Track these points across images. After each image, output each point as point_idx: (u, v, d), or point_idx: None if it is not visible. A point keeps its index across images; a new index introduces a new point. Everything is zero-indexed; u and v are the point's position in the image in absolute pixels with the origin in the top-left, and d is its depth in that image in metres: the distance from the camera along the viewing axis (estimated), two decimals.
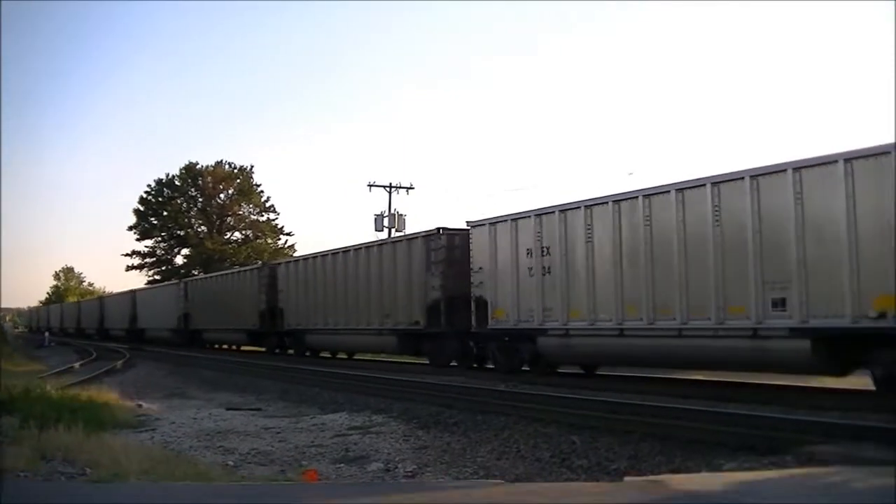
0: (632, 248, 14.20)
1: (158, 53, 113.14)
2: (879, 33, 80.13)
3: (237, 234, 64.95)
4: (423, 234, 20.28)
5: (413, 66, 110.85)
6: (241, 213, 64.34)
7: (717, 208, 12.83)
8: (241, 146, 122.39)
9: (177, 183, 64.10)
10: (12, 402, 11.12)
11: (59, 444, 8.30)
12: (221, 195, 64.05)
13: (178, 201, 64.09)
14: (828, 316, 11.30)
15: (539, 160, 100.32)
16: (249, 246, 62.57)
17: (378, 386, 15.78)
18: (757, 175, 12.25)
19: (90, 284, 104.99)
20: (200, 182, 63.49)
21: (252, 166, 64.41)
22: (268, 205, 63.98)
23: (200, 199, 64.12)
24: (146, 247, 64.99)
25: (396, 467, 8.63)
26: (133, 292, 49.96)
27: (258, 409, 14.27)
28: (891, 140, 10.75)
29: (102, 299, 61.08)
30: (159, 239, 64.93)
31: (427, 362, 20.42)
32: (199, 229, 64.23)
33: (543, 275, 15.95)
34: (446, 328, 19.04)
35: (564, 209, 15.64)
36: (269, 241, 63.45)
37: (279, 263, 30.63)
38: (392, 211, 41.72)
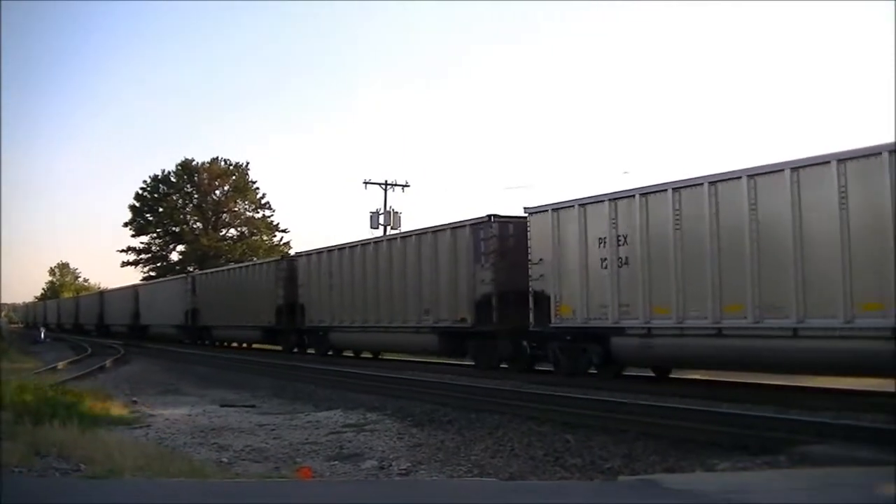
0: (733, 236, 12.48)
1: (155, 48, 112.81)
2: (879, 33, 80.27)
3: (232, 231, 64.98)
4: (471, 222, 18.33)
5: (410, 64, 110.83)
6: (236, 209, 64.31)
7: (843, 190, 11.11)
8: (236, 143, 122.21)
9: (172, 179, 64.04)
10: (7, 398, 11.10)
11: (53, 440, 8.30)
12: (217, 192, 64.01)
13: (174, 198, 64.04)
14: None
15: (536, 159, 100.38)
16: (245, 243, 62.58)
17: (372, 384, 15.78)
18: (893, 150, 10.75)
19: (85, 280, 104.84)
20: (196, 179, 63.46)
21: (248, 163, 64.52)
22: (263, 202, 64.02)
23: (196, 196, 64.06)
24: (142, 243, 65.01)
25: (390, 465, 8.64)
26: (136, 287, 48.55)
27: (253, 406, 14.27)
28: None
29: (103, 294, 58.86)
30: (155, 235, 64.90)
31: (472, 364, 18.73)
32: (195, 226, 64.18)
33: (619, 266, 14.27)
34: (498, 326, 17.31)
35: (646, 192, 13.94)
36: (265, 238, 63.44)
37: (299, 255, 28.23)
38: (388, 208, 41.66)
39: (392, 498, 6.08)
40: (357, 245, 23.78)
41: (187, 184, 64.03)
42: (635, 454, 8.29)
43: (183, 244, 63.89)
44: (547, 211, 15.84)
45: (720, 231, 12.68)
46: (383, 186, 42.19)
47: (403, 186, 42.75)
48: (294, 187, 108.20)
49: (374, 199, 52.24)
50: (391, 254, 21.46)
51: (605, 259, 14.55)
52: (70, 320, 65.55)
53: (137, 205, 64.38)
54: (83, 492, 6.07)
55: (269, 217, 64.06)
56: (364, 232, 39.60)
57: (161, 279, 51.37)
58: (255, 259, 45.73)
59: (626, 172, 47.24)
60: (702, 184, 12.96)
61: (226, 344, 34.80)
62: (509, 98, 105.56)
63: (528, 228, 16.33)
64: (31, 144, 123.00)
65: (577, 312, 15.12)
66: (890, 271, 10.43)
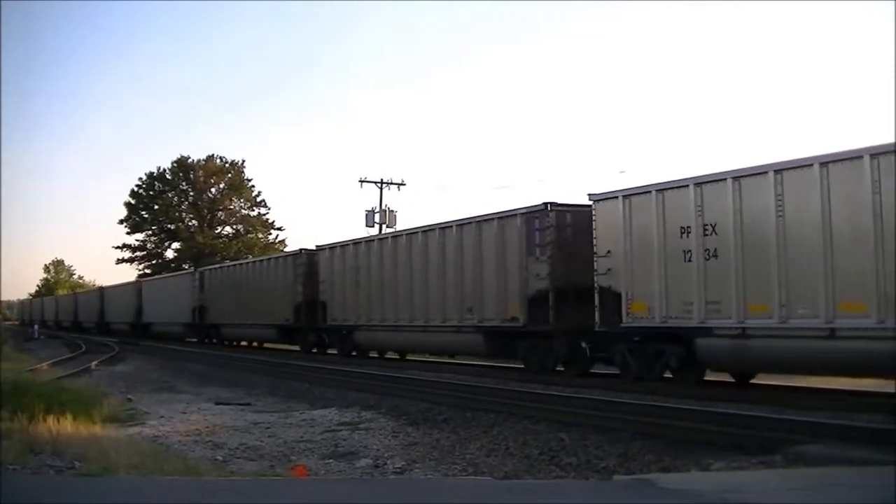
0: (850, 224, 10.99)
1: (152, 47, 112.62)
2: (879, 33, 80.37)
3: (228, 229, 64.88)
4: (523, 210, 16.62)
5: (406, 63, 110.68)
6: (232, 207, 64.24)
7: None
8: (232, 141, 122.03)
9: (168, 177, 63.93)
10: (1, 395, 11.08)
11: (47, 437, 8.28)
12: (213, 189, 63.90)
13: (170, 195, 63.88)
14: None
15: (534, 160, 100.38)
16: (240, 240, 62.54)
17: (367, 382, 15.77)
18: None
19: (80, 277, 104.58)
20: (192, 176, 63.37)
21: (243, 161, 64.34)
22: (259, 199, 63.94)
23: (192, 194, 63.96)
24: (137, 240, 64.87)
25: (385, 463, 8.64)
26: (139, 282, 47.01)
27: (247, 404, 14.26)
28: None
29: (103, 290, 55.28)
30: (150, 233, 64.74)
31: (521, 366, 17.12)
32: (190, 223, 64.05)
33: (707, 259, 12.74)
34: (555, 325, 15.64)
35: (739, 176, 12.40)
36: (260, 235, 63.44)
37: (321, 249, 25.50)
38: (383, 207, 41.64)
39: (387, 496, 6.07)
40: (387, 237, 22.47)
41: (183, 181, 63.93)
42: (631, 453, 8.29)
43: (178, 242, 63.80)
44: (617, 198, 14.26)
45: (833, 220, 11.12)
46: (379, 185, 42.20)
47: (399, 185, 42.77)
48: (290, 185, 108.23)
49: (370, 197, 52.11)
50: (427, 247, 19.58)
51: (689, 251, 13.01)
52: (69, 318, 64.21)
53: (133, 202, 64.25)
54: (78, 489, 6.05)
55: (264, 215, 64.08)
56: (359, 230, 39.58)
57: (167, 274, 49.76)
58: (250, 256, 45.60)
59: (622, 172, 47.31)
60: (811, 164, 11.44)
61: (235, 343, 33.38)
62: (508, 98, 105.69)
63: (594, 217, 14.76)
64: (27, 141, 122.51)
65: (653, 310, 13.57)
66: None
